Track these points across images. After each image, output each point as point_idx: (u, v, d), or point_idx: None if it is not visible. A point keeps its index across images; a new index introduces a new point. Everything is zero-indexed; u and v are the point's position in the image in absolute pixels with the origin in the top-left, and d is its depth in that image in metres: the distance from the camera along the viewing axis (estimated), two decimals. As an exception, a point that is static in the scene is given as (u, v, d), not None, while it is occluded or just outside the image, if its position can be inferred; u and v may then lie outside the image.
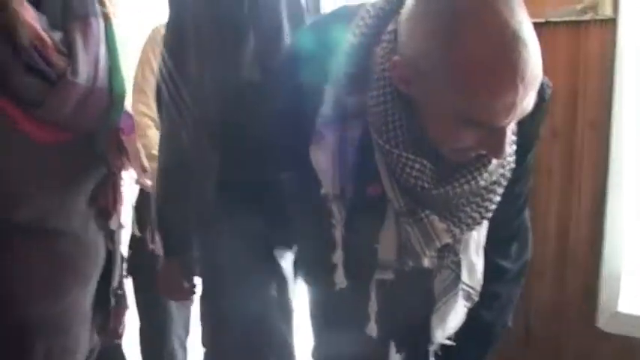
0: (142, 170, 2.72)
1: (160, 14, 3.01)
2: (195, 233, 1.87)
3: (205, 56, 1.76)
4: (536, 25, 1.22)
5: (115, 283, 1.38)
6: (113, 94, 1.27)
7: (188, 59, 1.77)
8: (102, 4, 1.28)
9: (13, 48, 1.10)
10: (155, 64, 2.72)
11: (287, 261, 1.86)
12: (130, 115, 1.32)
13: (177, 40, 1.80)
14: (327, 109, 1.40)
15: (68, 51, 1.17)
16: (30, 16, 1.12)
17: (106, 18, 1.29)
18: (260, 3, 1.77)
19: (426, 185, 1.32)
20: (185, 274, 1.92)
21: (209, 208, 1.86)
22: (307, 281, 1.68)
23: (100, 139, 1.25)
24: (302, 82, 1.46)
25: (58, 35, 1.17)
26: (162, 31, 2.82)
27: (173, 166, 1.84)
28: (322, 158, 1.42)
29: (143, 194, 2.81)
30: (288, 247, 1.84)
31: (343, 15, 1.46)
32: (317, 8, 1.95)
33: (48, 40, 1.14)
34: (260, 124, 1.68)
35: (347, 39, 1.38)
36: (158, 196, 1.87)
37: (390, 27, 1.32)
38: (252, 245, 1.80)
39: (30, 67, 1.11)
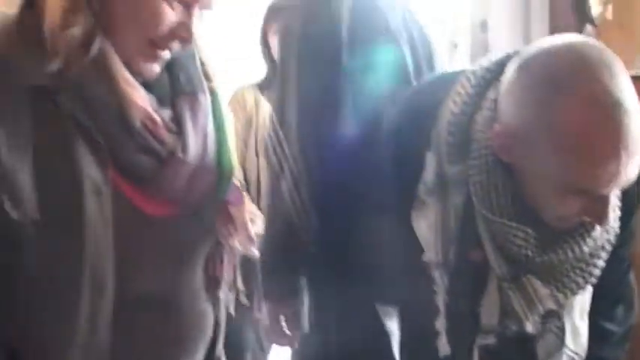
0: (250, 239, 2.75)
1: (242, 78, 3.10)
2: (300, 283, 1.92)
3: (304, 111, 1.82)
4: (635, 79, 1.21)
5: (218, 351, 1.39)
6: (221, 168, 1.28)
7: (290, 114, 1.83)
8: (208, 78, 1.29)
9: (125, 129, 1.12)
10: (239, 126, 2.81)
11: (392, 319, 1.87)
12: (237, 187, 1.34)
13: (281, 95, 1.86)
14: (428, 176, 1.41)
15: (177, 128, 1.19)
16: (139, 96, 1.14)
17: (212, 92, 1.29)
18: (358, 59, 1.81)
19: (530, 254, 1.32)
20: (291, 322, 1.95)
21: (310, 261, 1.90)
22: (410, 346, 1.67)
23: (208, 211, 1.27)
24: (404, 147, 1.48)
25: (167, 113, 1.18)
26: (245, 94, 2.91)
27: (276, 216, 1.89)
28: (424, 225, 1.43)
29: (249, 262, 2.83)
30: (392, 305, 1.84)
31: (444, 81, 1.47)
32: (430, 66, 1.97)
33: (158, 119, 1.15)
34: (360, 182, 1.71)
35: (448, 106, 1.39)
36: (264, 245, 1.91)
37: (491, 95, 1.33)
38: (353, 300, 1.82)
39: (141, 146, 1.14)
